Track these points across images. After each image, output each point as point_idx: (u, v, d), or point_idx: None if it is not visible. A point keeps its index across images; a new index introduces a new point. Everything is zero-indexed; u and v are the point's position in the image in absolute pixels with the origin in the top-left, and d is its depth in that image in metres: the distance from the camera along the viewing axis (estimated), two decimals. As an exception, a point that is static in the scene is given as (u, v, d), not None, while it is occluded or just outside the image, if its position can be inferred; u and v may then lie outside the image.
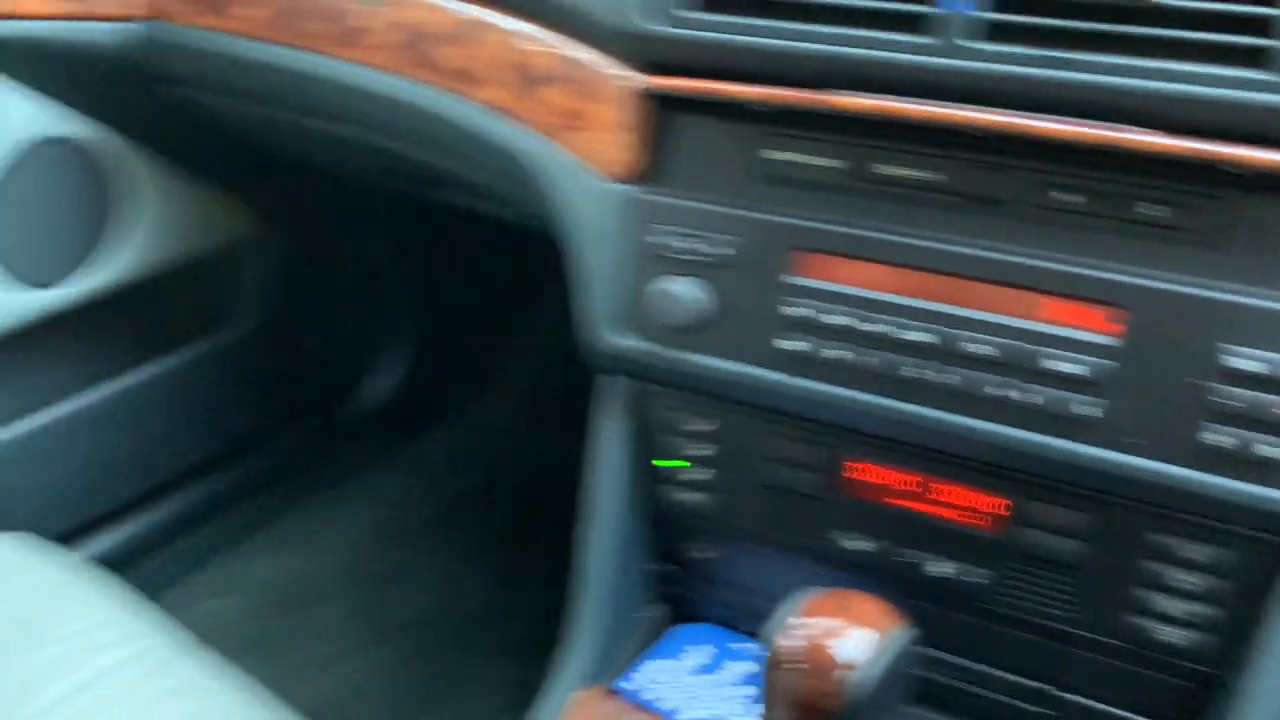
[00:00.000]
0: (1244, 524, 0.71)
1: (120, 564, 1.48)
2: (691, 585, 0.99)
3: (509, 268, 1.99)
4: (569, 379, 1.19)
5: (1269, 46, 0.64)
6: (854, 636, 0.61)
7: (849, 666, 0.60)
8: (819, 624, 0.62)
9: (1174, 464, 0.69)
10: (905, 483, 0.82)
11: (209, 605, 1.56)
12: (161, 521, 1.58)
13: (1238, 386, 0.67)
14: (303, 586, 1.61)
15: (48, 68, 1.21)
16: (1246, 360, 0.67)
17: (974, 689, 0.87)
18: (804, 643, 0.62)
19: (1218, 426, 0.68)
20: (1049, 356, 0.71)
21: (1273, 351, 0.66)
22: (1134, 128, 0.67)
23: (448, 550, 1.70)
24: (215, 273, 1.56)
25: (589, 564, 0.93)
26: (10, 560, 0.98)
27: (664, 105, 0.84)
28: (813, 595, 0.65)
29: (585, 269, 0.87)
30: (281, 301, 1.64)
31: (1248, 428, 0.67)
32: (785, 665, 0.63)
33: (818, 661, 0.61)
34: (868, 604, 0.64)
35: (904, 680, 0.64)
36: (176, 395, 1.54)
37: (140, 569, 1.53)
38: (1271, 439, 0.67)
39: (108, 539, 1.52)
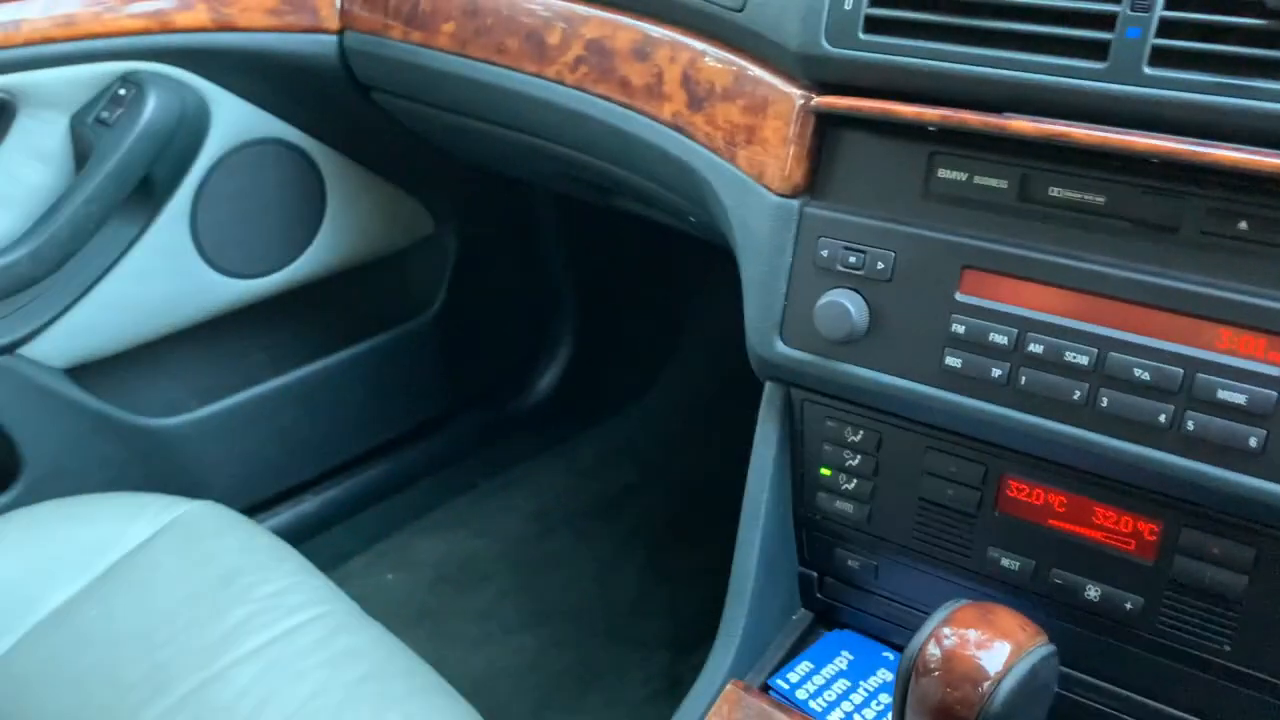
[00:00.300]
0: None
1: (299, 536, 1.59)
2: (840, 594, 1.01)
3: (674, 271, 2.03)
4: (729, 382, 1.22)
5: None
6: (994, 648, 0.62)
7: (987, 677, 0.62)
8: (961, 634, 0.64)
9: (1342, 502, 0.68)
10: (1063, 504, 0.82)
11: (377, 580, 1.66)
12: (339, 499, 1.68)
13: None
14: (464, 568, 1.69)
15: (258, 76, 1.31)
16: None
17: (1119, 714, 0.86)
18: (943, 651, 0.63)
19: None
20: (1211, 384, 0.70)
21: None
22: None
23: (603, 542, 1.75)
24: (396, 269, 1.65)
25: (744, 563, 0.96)
26: (203, 527, 1.06)
27: (828, 122, 0.86)
28: (957, 606, 0.66)
29: (754, 279, 0.89)
30: (457, 297, 1.72)
31: None
32: (924, 672, 0.64)
33: (956, 670, 0.62)
34: (1011, 618, 0.65)
35: (1043, 696, 0.65)
36: (359, 382, 1.64)
37: (317, 542, 1.64)
38: None
39: (290, 512, 1.63)
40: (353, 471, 1.70)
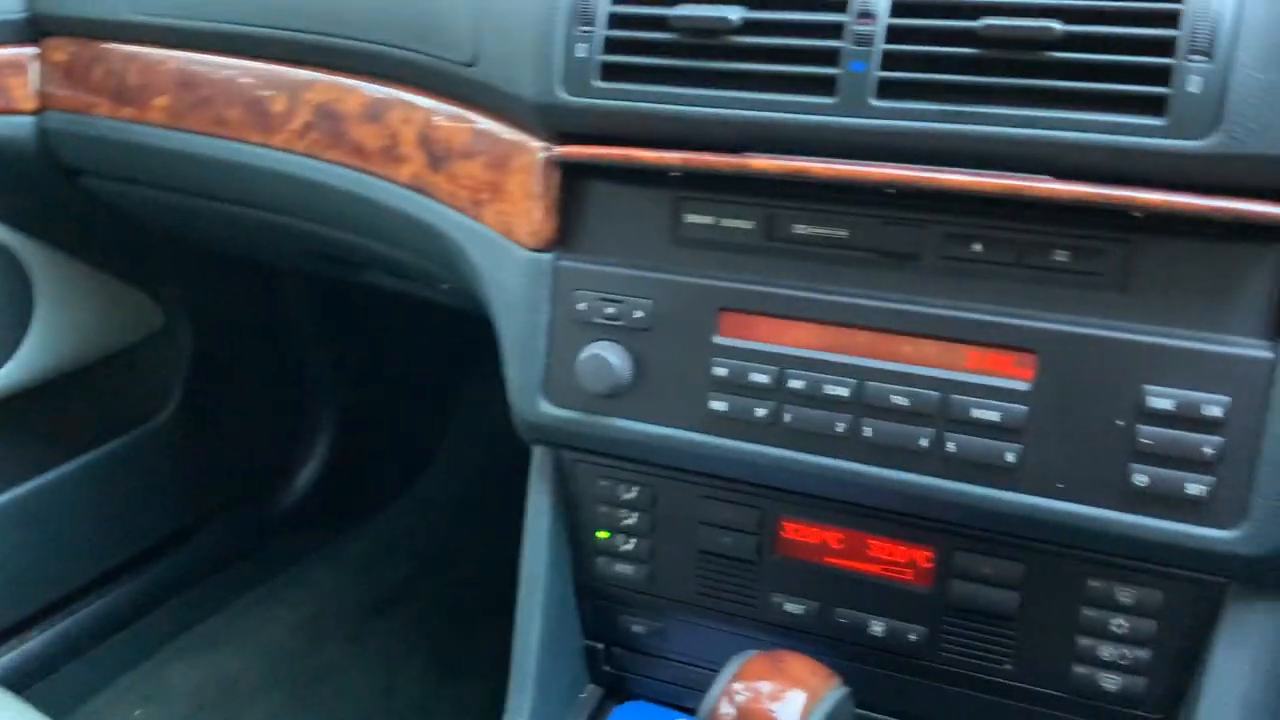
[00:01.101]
0: (1178, 564, 0.71)
1: (25, 680, 1.41)
2: (628, 663, 0.97)
3: (439, 345, 1.97)
4: (506, 459, 1.17)
5: (1167, 95, 0.65)
6: (787, 699, 0.60)
7: (786, 729, 0.59)
8: (753, 687, 0.61)
9: (1099, 506, 0.70)
10: (839, 540, 0.81)
11: (125, 717, 1.49)
12: (72, 631, 1.51)
13: (1158, 426, 0.68)
14: (226, 692, 1.54)
15: None
16: (1163, 399, 0.67)
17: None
18: (737, 709, 0.60)
19: (1140, 467, 0.68)
20: (963, 404, 0.72)
21: (1187, 389, 0.67)
22: (1035, 176, 0.69)
23: (382, 643, 1.64)
24: (123, 370, 1.51)
25: (525, 643, 0.91)
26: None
27: (573, 173, 0.84)
28: (747, 658, 0.63)
29: (510, 339, 0.86)
30: (197, 394, 1.60)
31: (1172, 467, 0.67)
32: (722, 732, 0.61)
33: (754, 725, 0.59)
34: (803, 665, 0.63)
35: (844, 740, 0.63)
36: (88, 497, 1.49)
37: (50, 683, 1.46)
38: (1196, 476, 0.67)
39: (12, 654, 1.44)
40: (88, 599, 1.54)
